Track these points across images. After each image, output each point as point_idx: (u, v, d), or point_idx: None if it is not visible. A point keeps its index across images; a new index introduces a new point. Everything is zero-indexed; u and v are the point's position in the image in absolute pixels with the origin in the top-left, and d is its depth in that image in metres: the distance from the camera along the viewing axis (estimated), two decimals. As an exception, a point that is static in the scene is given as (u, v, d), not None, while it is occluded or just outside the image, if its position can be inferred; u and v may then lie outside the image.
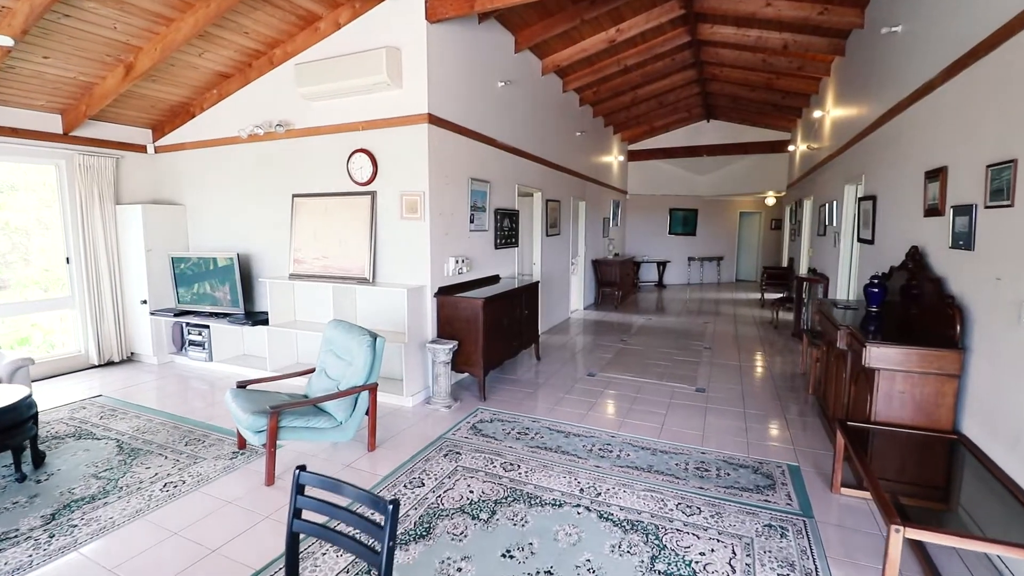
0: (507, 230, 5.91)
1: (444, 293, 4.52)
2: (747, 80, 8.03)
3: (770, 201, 13.11)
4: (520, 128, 6.13)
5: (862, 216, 4.85)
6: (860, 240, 4.93)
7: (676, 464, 3.27)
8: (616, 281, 9.68)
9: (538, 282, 5.69)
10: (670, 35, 6.64)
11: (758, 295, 11.18)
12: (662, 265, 12.86)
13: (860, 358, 2.84)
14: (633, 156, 12.42)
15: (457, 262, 4.76)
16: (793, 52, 6.49)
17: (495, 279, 5.63)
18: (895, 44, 4.06)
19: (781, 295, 9.32)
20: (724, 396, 4.53)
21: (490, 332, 4.46)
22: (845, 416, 3.26)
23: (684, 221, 13.29)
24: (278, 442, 3.37)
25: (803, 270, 8.71)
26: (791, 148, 9.97)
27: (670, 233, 13.24)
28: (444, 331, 4.49)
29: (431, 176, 4.34)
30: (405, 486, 2.96)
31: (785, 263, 11.35)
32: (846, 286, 5.77)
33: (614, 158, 11.08)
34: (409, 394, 4.28)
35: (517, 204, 6.19)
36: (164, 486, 3.00)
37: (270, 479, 2.97)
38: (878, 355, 2.74)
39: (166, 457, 3.37)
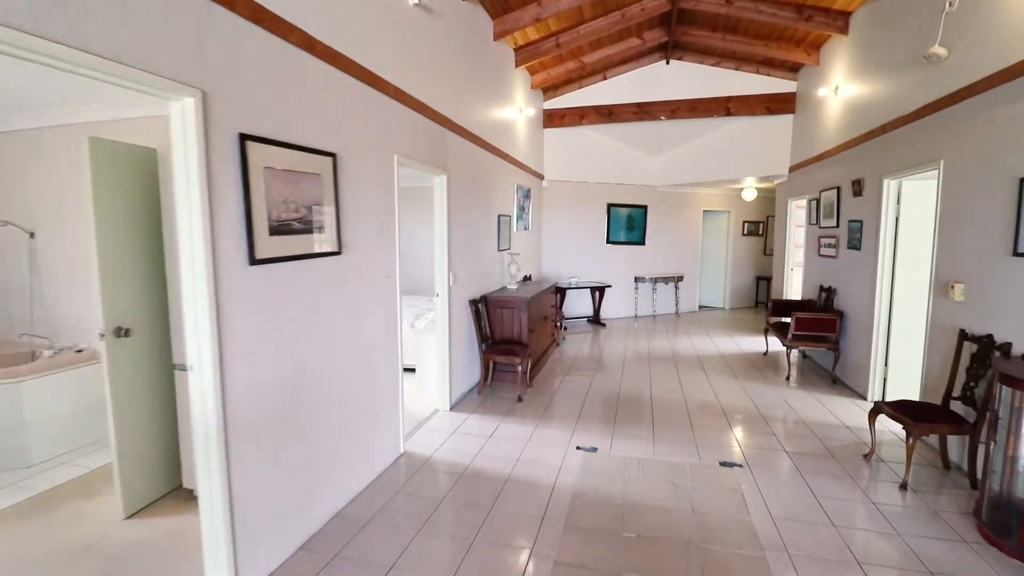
0: None
1: None
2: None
3: (749, 194, 8.99)
4: None
5: None
6: None
7: None
8: (521, 338, 4.89)
9: None
10: None
11: (752, 336, 6.88)
12: (599, 291, 8.31)
13: None
14: (553, 119, 7.76)
15: None
16: None
17: None
18: None
19: (804, 348, 4.96)
20: None
21: None
22: None
23: (629, 223, 8.85)
24: None
25: (882, 314, 4.37)
26: (821, 93, 5.70)
27: (609, 242, 8.74)
28: None
29: None
30: None
31: (793, 292, 7.15)
32: None
33: (519, 111, 6.32)
34: None
35: None
36: None
37: None
38: None
39: None
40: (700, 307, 9.95)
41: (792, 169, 6.96)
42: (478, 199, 4.90)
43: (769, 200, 9.86)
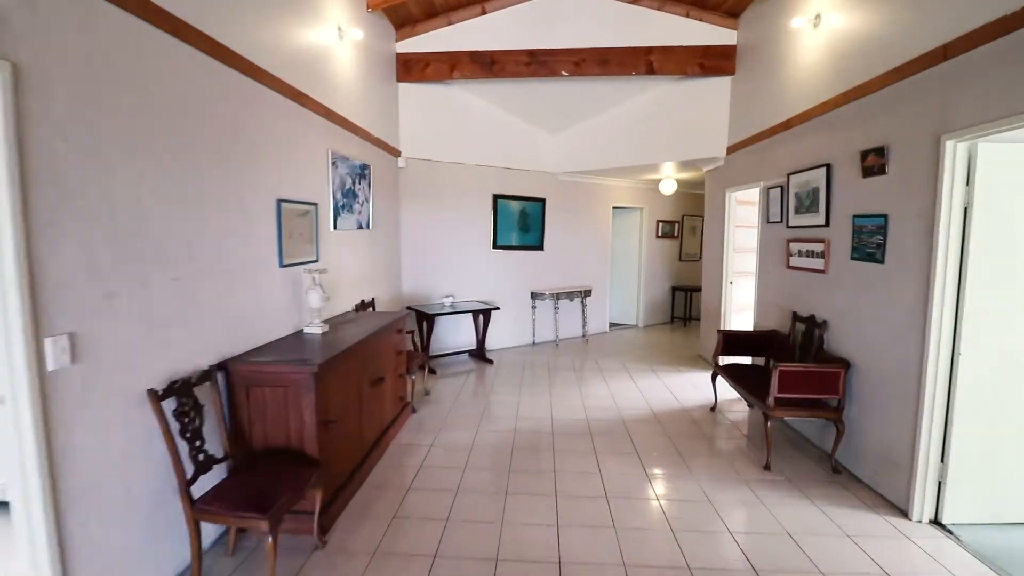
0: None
1: None
2: None
3: (668, 187, 7.27)
4: None
5: None
6: None
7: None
8: (302, 447, 2.40)
9: None
10: None
11: (682, 372, 4.98)
12: (484, 315, 6.02)
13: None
14: (411, 70, 5.32)
15: None
16: None
17: None
18: None
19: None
20: None
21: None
22: None
23: (523, 222, 6.70)
24: None
25: (939, 372, 2.50)
26: (795, 24, 3.88)
27: (497, 246, 6.50)
28: None
29: None
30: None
31: (735, 312, 5.42)
32: None
33: (336, 31, 3.78)
34: None
35: None
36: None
37: None
38: None
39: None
40: (611, 325, 8.10)
41: (732, 149, 5.21)
42: (202, 158, 2.32)
43: (688, 196, 8.29)
